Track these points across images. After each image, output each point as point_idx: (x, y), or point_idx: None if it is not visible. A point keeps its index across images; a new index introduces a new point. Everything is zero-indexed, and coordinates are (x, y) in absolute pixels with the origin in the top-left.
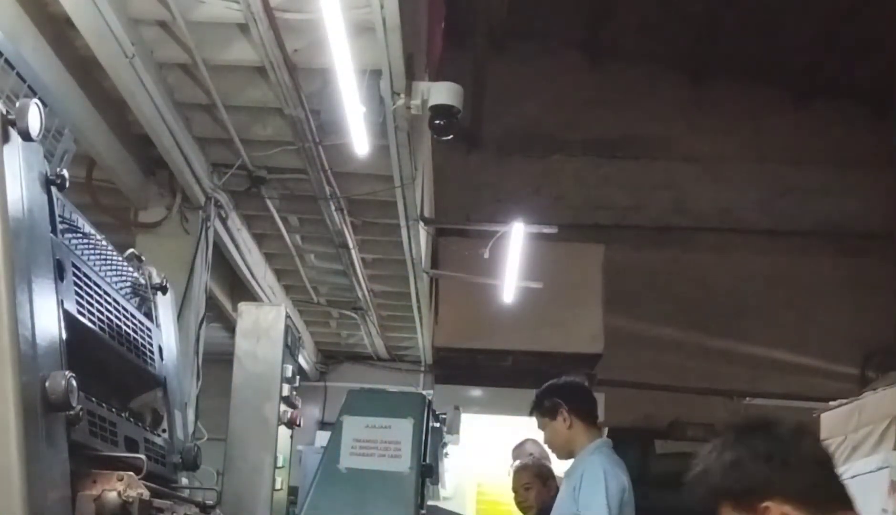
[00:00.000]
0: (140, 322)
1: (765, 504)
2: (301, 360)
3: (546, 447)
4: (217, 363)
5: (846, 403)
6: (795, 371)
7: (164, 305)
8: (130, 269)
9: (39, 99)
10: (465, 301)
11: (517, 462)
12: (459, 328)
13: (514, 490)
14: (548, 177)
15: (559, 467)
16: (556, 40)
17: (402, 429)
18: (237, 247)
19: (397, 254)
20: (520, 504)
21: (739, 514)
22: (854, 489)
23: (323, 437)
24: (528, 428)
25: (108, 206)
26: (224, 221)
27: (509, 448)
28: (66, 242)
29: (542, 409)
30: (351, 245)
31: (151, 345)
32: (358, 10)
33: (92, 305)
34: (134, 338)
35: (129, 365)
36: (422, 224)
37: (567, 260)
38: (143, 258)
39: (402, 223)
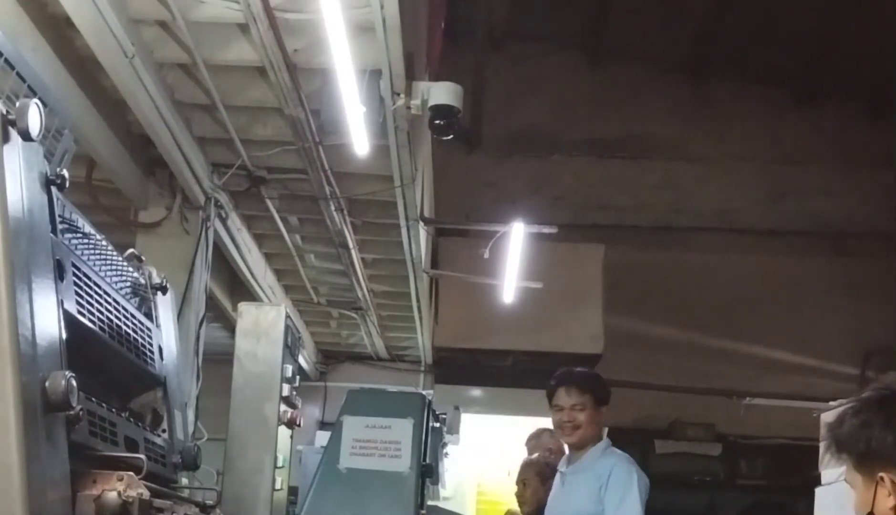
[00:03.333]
0: (140, 322)
1: (881, 474)
2: (301, 360)
3: (568, 426)
4: (217, 363)
5: (846, 403)
6: (795, 371)
7: (164, 305)
8: (130, 269)
9: (39, 99)
10: (465, 301)
11: (525, 458)
12: (459, 328)
13: (516, 482)
14: (548, 177)
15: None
16: (555, 40)
17: (402, 429)
18: (237, 247)
19: (397, 254)
20: (517, 497)
21: (858, 474)
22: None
23: (323, 437)
24: (527, 428)
25: (108, 206)
26: (224, 221)
27: (509, 448)
28: (66, 242)
29: (599, 392)
30: (351, 245)
31: (151, 345)
32: (358, 10)
33: (92, 305)
34: (134, 338)
35: (129, 365)
36: (422, 224)
37: (567, 261)
38: (143, 258)
39: (402, 223)
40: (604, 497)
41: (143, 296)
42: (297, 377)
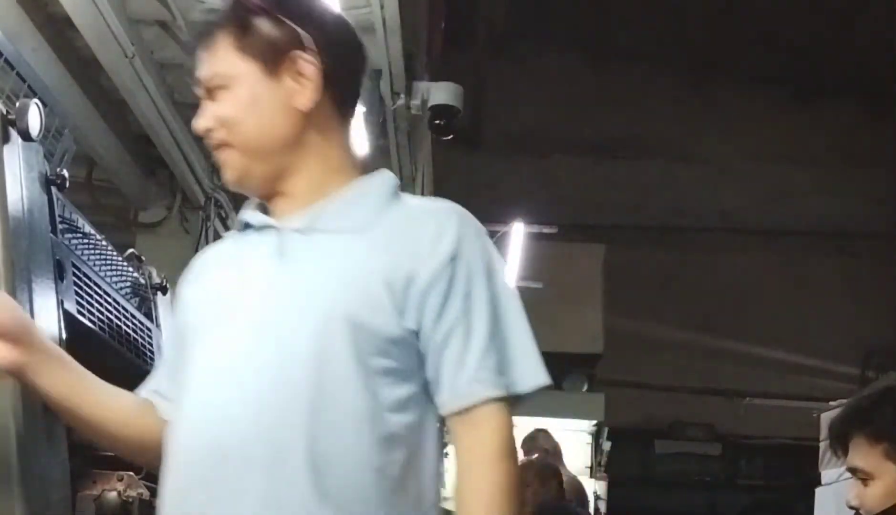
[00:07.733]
0: (140, 322)
1: None
2: None
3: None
4: None
5: (846, 403)
6: (795, 371)
7: (164, 305)
8: (130, 269)
9: (39, 99)
10: None
11: (523, 459)
12: None
13: None
14: (548, 177)
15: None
16: (556, 40)
17: None
18: None
19: None
20: None
21: (892, 464)
22: None
23: None
24: (526, 428)
25: (108, 206)
26: (224, 221)
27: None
28: (66, 242)
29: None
30: None
31: (151, 345)
32: (358, 10)
33: (92, 305)
34: (134, 338)
35: (130, 366)
36: None
37: (567, 260)
38: (143, 258)
39: None
40: (432, 303)
41: (143, 296)
42: None
